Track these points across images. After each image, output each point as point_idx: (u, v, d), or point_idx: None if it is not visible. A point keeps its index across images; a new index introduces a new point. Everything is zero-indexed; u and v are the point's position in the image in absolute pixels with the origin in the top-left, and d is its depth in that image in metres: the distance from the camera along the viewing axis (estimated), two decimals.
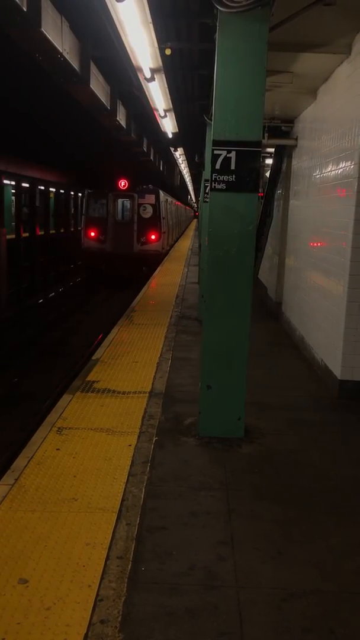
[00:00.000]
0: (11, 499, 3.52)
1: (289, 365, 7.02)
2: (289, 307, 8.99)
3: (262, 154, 10.94)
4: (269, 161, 11.39)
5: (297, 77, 6.55)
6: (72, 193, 24.62)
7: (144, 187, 19.32)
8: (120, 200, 19.05)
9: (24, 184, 18.16)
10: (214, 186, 4.29)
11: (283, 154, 9.94)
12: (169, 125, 12.90)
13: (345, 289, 5.49)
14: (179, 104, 11.15)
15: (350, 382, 5.61)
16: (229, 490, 3.79)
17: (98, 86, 10.31)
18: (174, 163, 28.04)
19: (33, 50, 7.54)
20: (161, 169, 27.28)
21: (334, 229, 6.10)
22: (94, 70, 9.65)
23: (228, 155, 4.21)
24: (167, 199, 23.04)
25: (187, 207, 55.72)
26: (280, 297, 9.83)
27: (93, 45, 8.89)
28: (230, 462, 4.21)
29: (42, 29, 6.74)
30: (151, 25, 5.89)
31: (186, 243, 33.44)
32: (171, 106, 10.65)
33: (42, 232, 19.92)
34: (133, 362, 6.74)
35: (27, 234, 18.23)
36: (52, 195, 22.08)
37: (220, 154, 4.22)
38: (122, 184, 18.90)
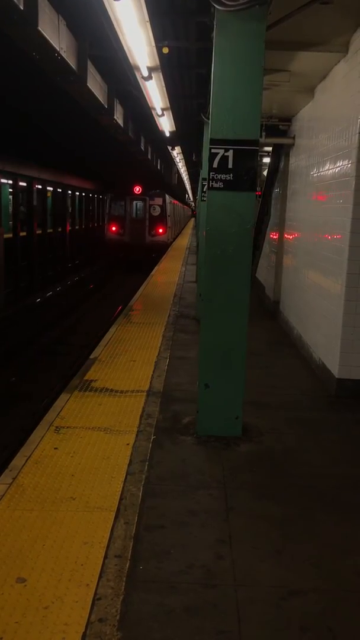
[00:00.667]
0: (9, 498, 3.52)
1: (287, 364, 7.02)
2: (286, 306, 9.00)
3: (260, 153, 10.95)
4: (267, 160, 11.39)
5: (295, 75, 6.55)
6: (99, 197, 32.31)
7: (154, 191, 24.77)
8: (135, 202, 24.59)
9: (77, 193, 26.94)
10: (212, 185, 4.29)
11: (281, 153, 9.95)
12: (166, 124, 12.90)
13: (343, 288, 5.49)
14: (177, 102, 11.15)
15: (348, 380, 5.61)
16: (227, 489, 3.79)
17: (95, 85, 10.30)
18: (171, 162, 28.02)
19: (30, 49, 7.53)
20: (159, 167, 27.25)
21: (331, 227, 6.10)
22: (91, 69, 9.64)
23: (225, 154, 4.21)
24: (171, 201, 28.09)
25: (184, 207, 56.16)
26: (278, 296, 9.84)
27: (90, 44, 8.88)
28: (228, 461, 4.21)
29: (39, 28, 6.73)
30: (148, 24, 5.89)
31: (184, 242, 33.43)
32: (168, 105, 10.65)
33: (84, 226, 28.43)
34: (131, 361, 6.74)
35: (77, 227, 27.09)
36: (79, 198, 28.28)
37: (218, 153, 4.22)
38: (137, 189, 24.52)
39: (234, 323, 4.45)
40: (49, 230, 21.38)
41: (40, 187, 19.50)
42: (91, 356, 6.98)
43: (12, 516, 3.31)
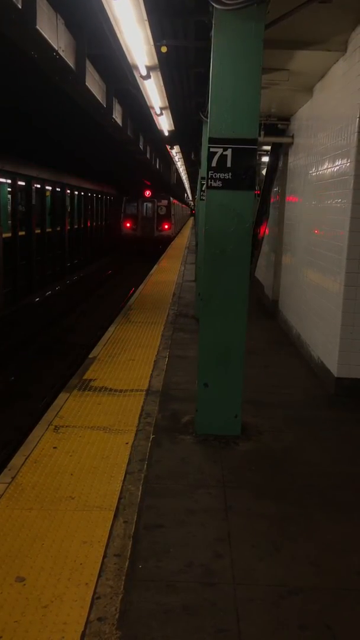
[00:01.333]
0: (8, 497, 3.52)
1: (286, 363, 7.03)
2: (285, 305, 9.00)
3: (259, 152, 10.94)
4: (266, 159, 11.38)
5: (293, 74, 6.55)
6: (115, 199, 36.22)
7: (160, 194, 30.62)
8: (145, 204, 30.10)
9: (99, 195, 30.97)
10: (210, 184, 4.29)
11: (279, 152, 9.95)
12: (165, 123, 12.88)
13: (342, 287, 5.50)
14: (175, 101, 11.12)
15: (346, 379, 5.62)
16: (226, 488, 3.79)
17: (94, 84, 10.29)
18: (170, 161, 28.00)
19: (29, 49, 7.51)
20: (158, 167, 27.24)
21: (330, 226, 6.10)
22: (89, 68, 9.63)
23: (224, 153, 4.21)
24: (174, 202, 33.49)
25: (183, 206, 56.80)
26: (277, 295, 9.84)
27: (89, 43, 8.86)
28: (227, 460, 4.21)
29: (38, 27, 6.72)
30: (147, 23, 5.88)
31: (183, 241, 33.43)
32: (167, 104, 10.63)
33: (103, 223, 32.18)
34: (130, 360, 6.74)
35: (101, 223, 31.35)
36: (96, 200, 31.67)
37: (217, 152, 4.22)
38: (147, 193, 30.26)
39: (233, 322, 4.45)
40: (79, 226, 26.38)
41: (69, 191, 23.91)
42: (90, 355, 6.98)
43: (11, 515, 3.31)
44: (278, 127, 9.36)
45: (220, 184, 4.27)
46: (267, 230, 11.05)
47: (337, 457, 4.40)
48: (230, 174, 4.24)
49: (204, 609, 2.64)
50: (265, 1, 3.96)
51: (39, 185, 18.68)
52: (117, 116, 13.26)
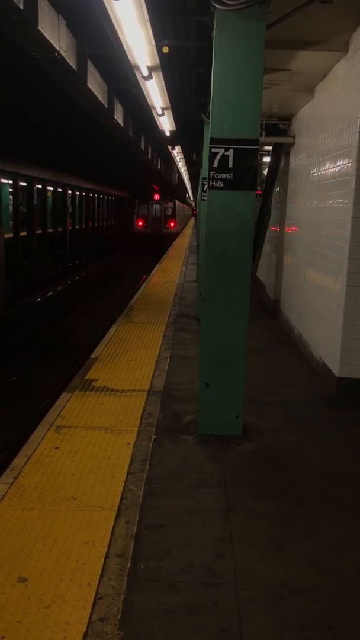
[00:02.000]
0: (10, 497, 3.52)
1: (287, 363, 7.03)
2: (287, 305, 9.00)
3: (260, 152, 10.94)
4: (267, 159, 11.38)
5: (295, 74, 6.55)
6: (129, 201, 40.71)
7: (167, 197, 35.84)
8: (154, 205, 34.83)
9: (114, 198, 35.07)
10: (212, 184, 4.29)
11: (281, 152, 9.94)
12: (166, 124, 12.89)
13: (344, 287, 5.50)
14: (177, 102, 11.14)
15: (348, 379, 5.62)
16: (228, 488, 3.80)
17: (95, 84, 10.30)
18: (171, 161, 28.01)
19: (30, 49, 7.52)
20: (159, 167, 27.25)
21: (332, 226, 6.10)
22: (91, 69, 9.64)
23: (226, 154, 4.21)
24: (178, 204, 38.86)
25: (185, 206, 57.86)
26: (278, 295, 9.84)
27: (90, 43, 8.88)
28: (228, 460, 4.21)
29: (39, 28, 6.73)
30: (148, 23, 5.89)
31: (184, 241, 33.45)
32: (168, 104, 10.65)
33: (117, 222, 36.36)
34: (131, 360, 6.74)
35: (115, 222, 35.55)
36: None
37: (218, 152, 4.22)
38: (156, 197, 35.13)
39: (234, 322, 4.45)
40: (98, 224, 30.50)
41: (91, 195, 27.85)
42: (92, 355, 6.99)
43: (13, 516, 3.32)
44: (279, 127, 9.36)
45: (222, 184, 4.27)
46: (269, 227, 11.05)
47: (338, 457, 4.40)
48: (231, 174, 4.24)
49: (205, 609, 2.64)
50: (266, 1, 3.96)
51: (70, 191, 23.15)
52: (119, 116, 13.27)
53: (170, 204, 35.16)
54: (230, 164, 4.22)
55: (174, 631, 2.50)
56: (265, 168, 11.95)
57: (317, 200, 6.94)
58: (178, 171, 35.97)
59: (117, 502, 3.51)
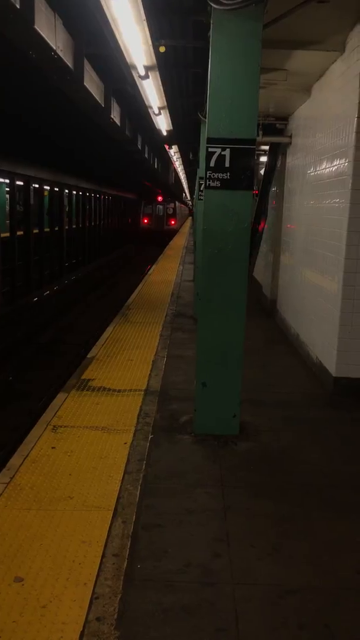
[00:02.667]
0: (6, 497, 3.52)
1: (284, 363, 7.03)
2: (283, 305, 9.01)
3: (257, 152, 10.94)
4: (264, 159, 11.39)
5: (291, 74, 6.55)
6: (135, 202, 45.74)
7: (168, 199, 41.72)
8: (158, 206, 40.69)
9: (125, 200, 40.49)
10: (209, 184, 4.29)
11: (277, 152, 9.95)
12: (163, 123, 12.87)
13: (340, 287, 5.50)
14: (174, 101, 11.12)
15: (345, 379, 5.62)
16: (225, 488, 3.80)
17: (92, 84, 10.28)
18: (168, 161, 28.00)
19: (27, 48, 7.50)
20: (155, 166, 27.24)
21: (328, 226, 6.11)
22: (87, 68, 9.62)
23: (222, 153, 4.21)
24: (178, 205, 45.14)
25: (182, 206, 59.45)
26: (275, 295, 9.85)
27: (87, 42, 8.85)
28: (225, 460, 4.22)
29: (36, 27, 6.71)
30: (145, 23, 5.87)
31: (181, 241, 33.44)
32: (165, 104, 10.63)
33: (128, 220, 42.37)
34: (128, 360, 6.74)
35: (126, 220, 41.37)
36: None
37: (215, 152, 4.22)
38: (159, 198, 40.98)
39: (231, 322, 4.45)
40: (112, 222, 35.35)
41: (104, 197, 32.39)
42: (88, 355, 6.98)
43: (9, 515, 3.31)
44: (276, 126, 9.36)
45: (219, 184, 4.27)
46: (265, 227, 11.06)
47: (335, 457, 4.41)
48: (228, 173, 4.24)
49: (202, 609, 2.64)
50: (263, 1, 3.96)
51: (87, 193, 27.31)
52: (116, 116, 13.25)
53: (172, 205, 41.25)
54: (227, 164, 4.22)
55: (171, 631, 2.50)
56: (262, 168, 11.96)
57: (314, 200, 6.94)
58: (175, 171, 35.94)
59: (114, 502, 3.51)
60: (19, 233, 16.61)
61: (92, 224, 28.54)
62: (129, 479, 3.81)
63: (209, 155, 4.23)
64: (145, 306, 10.59)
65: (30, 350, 11.40)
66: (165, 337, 7.96)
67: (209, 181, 4.28)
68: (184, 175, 38.29)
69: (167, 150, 20.49)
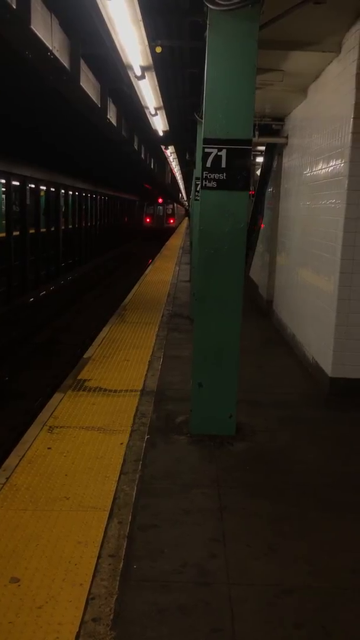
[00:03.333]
0: (2, 498, 3.51)
1: (280, 363, 7.04)
2: (279, 305, 9.02)
3: (253, 152, 10.95)
4: (260, 159, 11.40)
5: (288, 75, 6.56)
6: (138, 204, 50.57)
7: (168, 201, 47.19)
8: (158, 207, 45.93)
9: (129, 202, 45.43)
10: (205, 184, 4.29)
11: (274, 152, 9.96)
12: (159, 124, 12.88)
13: (336, 287, 5.51)
14: (170, 102, 11.13)
15: (341, 379, 5.63)
16: (221, 488, 3.80)
17: (88, 84, 10.27)
18: (164, 161, 28.00)
19: (23, 48, 7.49)
20: (152, 167, 27.24)
21: (324, 227, 6.12)
22: (83, 68, 9.61)
23: (219, 154, 4.22)
24: (176, 206, 50.92)
25: (179, 206, 61.81)
26: (271, 295, 9.86)
27: (83, 42, 8.85)
28: (221, 460, 4.22)
29: (32, 26, 6.71)
30: (141, 23, 5.88)
31: (178, 241, 33.44)
32: (162, 104, 10.64)
33: (132, 219, 47.31)
34: (124, 360, 6.74)
35: (131, 219, 46.33)
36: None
37: (211, 152, 4.22)
38: (160, 200, 46.00)
39: (227, 322, 4.45)
40: (120, 221, 40.68)
41: (114, 200, 37.40)
42: (85, 355, 6.97)
43: (5, 516, 3.30)
44: (272, 127, 9.37)
45: (215, 185, 4.27)
46: (261, 227, 11.07)
47: (331, 457, 4.41)
48: (224, 174, 4.25)
49: (198, 609, 2.64)
50: (259, 2, 3.96)
51: (96, 195, 30.60)
52: (112, 116, 13.24)
53: (171, 206, 47.25)
54: (223, 164, 4.23)
55: (167, 631, 2.50)
56: (258, 168, 11.97)
57: (310, 201, 6.95)
58: (171, 171, 35.96)
59: (110, 502, 3.51)
60: (15, 233, 16.71)
61: (89, 224, 29.68)
62: (125, 480, 3.81)
63: (205, 155, 4.23)
64: (141, 306, 10.58)
65: (27, 350, 11.39)
66: (161, 338, 7.96)
67: (206, 181, 4.28)
68: (180, 175, 38.31)
69: (164, 150, 20.50)
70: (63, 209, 23.27)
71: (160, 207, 46.56)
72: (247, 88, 4.13)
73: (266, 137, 9.35)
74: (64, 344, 11.99)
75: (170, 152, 21.55)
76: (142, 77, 7.99)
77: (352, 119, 5.23)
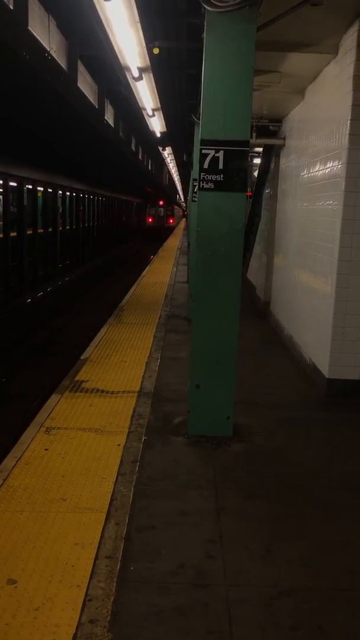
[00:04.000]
0: None
1: (278, 364, 7.04)
2: (277, 306, 9.03)
3: (250, 154, 10.96)
4: (257, 161, 11.42)
5: (285, 77, 6.57)
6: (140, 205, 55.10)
7: (168, 203, 50.74)
8: (160, 208, 49.35)
9: (134, 203, 51.65)
10: (202, 185, 4.29)
11: (271, 154, 9.97)
12: (157, 125, 12.89)
13: (333, 288, 5.52)
14: (167, 103, 11.14)
15: (338, 380, 5.64)
16: (218, 489, 3.80)
17: (86, 85, 10.28)
18: (162, 162, 28.02)
19: (20, 49, 7.49)
20: (149, 168, 27.26)
21: (321, 228, 6.13)
22: (81, 69, 9.62)
23: (216, 155, 4.22)
24: (175, 207, 56.13)
25: (176, 207, 62.86)
26: (268, 297, 9.87)
27: (80, 43, 8.86)
28: (219, 461, 4.22)
29: (29, 28, 6.71)
30: (139, 24, 5.88)
31: (175, 242, 33.46)
32: (159, 105, 10.64)
33: (136, 219, 53.62)
34: (122, 361, 6.73)
35: (135, 219, 53.46)
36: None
37: (209, 154, 4.22)
38: (161, 202, 49.67)
39: (224, 323, 4.45)
40: (125, 221, 45.32)
41: (119, 202, 40.79)
42: (82, 356, 6.96)
43: (2, 517, 3.30)
44: (270, 128, 9.39)
45: (212, 186, 4.28)
46: (259, 229, 11.08)
47: (328, 458, 4.42)
48: (222, 175, 4.25)
49: (195, 611, 2.64)
50: (257, 3, 3.97)
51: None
52: (109, 117, 13.25)
53: (170, 207, 51.47)
54: (221, 166, 4.23)
55: (164, 633, 2.50)
56: (256, 169, 11.99)
57: (307, 202, 6.96)
58: (169, 172, 36.01)
59: (107, 504, 3.50)
60: (13, 234, 16.75)
61: (88, 224, 30.02)
62: (122, 481, 3.81)
63: (203, 157, 4.24)
64: (139, 307, 10.58)
65: (24, 351, 11.38)
66: (159, 339, 7.95)
67: (203, 183, 4.29)
68: (178, 176, 38.37)
69: (161, 151, 20.51)
70: (60, 210, 23.49)
71: (161, 209, 51.08)
72: (245, 89, 4.13)
73: (264, 138, 9.36)
74: (62, 345, 11.98)
75: (167, 154, 21.57)
76: (140, 78, 8.00)
77: (349, 121, 5.25)
